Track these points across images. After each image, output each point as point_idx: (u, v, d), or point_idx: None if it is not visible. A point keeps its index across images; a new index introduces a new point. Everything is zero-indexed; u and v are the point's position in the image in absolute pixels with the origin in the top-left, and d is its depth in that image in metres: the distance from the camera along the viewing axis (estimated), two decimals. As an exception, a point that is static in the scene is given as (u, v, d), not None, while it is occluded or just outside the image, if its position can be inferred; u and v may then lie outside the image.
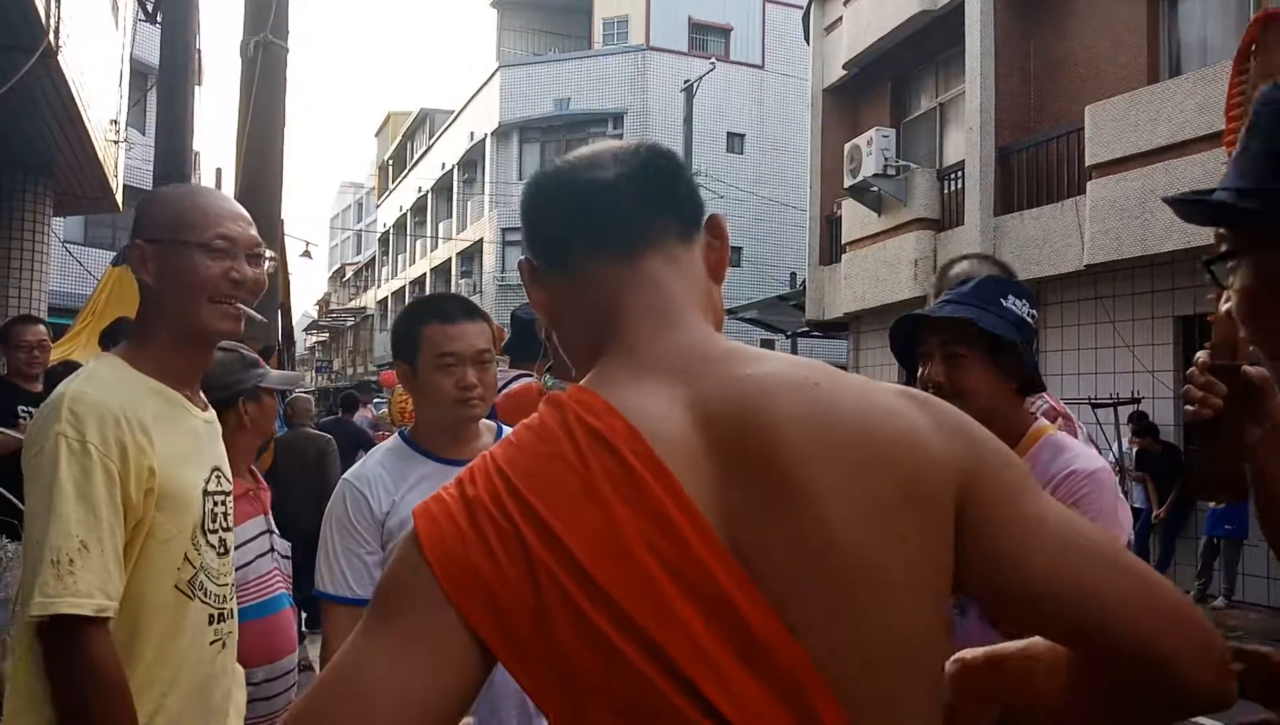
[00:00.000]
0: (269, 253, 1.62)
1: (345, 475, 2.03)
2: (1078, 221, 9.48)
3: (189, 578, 1.48)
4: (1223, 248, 0.88)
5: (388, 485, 1.95)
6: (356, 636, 0.82)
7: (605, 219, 0.93)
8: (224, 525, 1.59)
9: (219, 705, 1.58)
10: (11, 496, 3.26)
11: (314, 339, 60.38)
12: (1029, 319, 1.74)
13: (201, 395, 1.63)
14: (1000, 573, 0.84)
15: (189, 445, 1.52)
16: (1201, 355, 1.25)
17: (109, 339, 3.99)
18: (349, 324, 47.44)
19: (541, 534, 0.78)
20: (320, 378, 53.13)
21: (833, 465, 0.80)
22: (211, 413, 1.63)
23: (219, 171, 18.49)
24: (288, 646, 2.38)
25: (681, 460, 0.81)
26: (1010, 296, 1.73)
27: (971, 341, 1.69)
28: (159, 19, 6.56)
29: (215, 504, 1.56)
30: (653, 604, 0.76)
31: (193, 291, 1.49)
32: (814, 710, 0.76)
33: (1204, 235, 7.50)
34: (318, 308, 59.54)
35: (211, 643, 1.55)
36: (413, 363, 1.99)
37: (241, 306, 1.55)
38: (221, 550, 1.58)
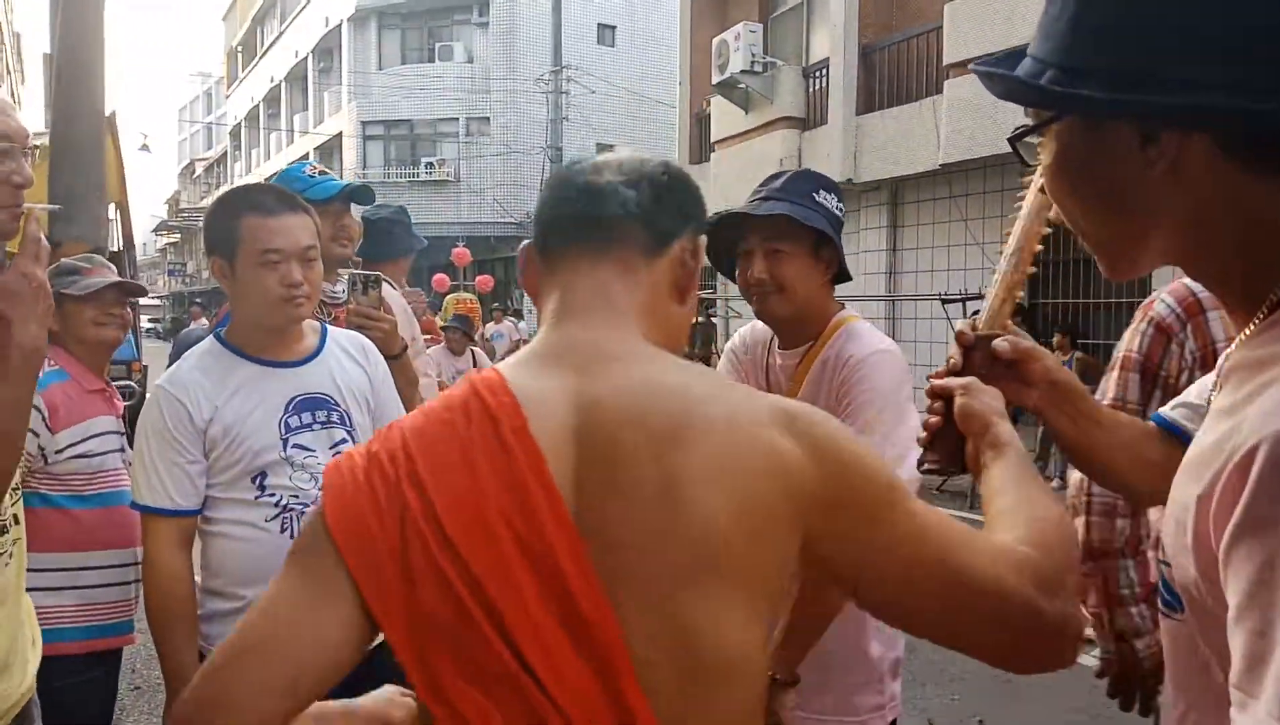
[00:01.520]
0: (32, 144, 1.45)
1: (159, 381, 1.90)
2: (935, 120, 9.70)
3: None
4: (1028, 122, 0.87)
5: (208, 391, 1.84)
6: (274, 584, 0.90)
7: (583, 217, 1.02)
8: None
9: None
10: None
11: (164, 240, 57.03)
12: (838, 212, 1.82)
13: None
14: (857, 591, 0.93)
15: None
16: (961, 325, 1.26)
17: None
18: (201, 224, 44.93)
19: (417, 491, 0.87)
20: (173, 281, 50.45)
21: (687, 468, 0.86)
22: None
23: (47, 58, 16.91)
24: (129, 538, 2.37)
25: (554, 442, 0.89)
26: (821, 191, 1.80)
27: (791, 237, 1.76)
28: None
29: None
30: (498, 568, 0.84)
31: None
32: (620, 690, 0.83)
33: (1047, 135, 7.78)
34: (167, 207, 56.13)
35: None
36: (231, 259, 1.86)
37: (27, 204, 1.41)
38: None
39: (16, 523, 1.60)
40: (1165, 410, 1.30)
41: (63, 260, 2.48)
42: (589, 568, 0.85)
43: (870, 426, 1.68)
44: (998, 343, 1.22)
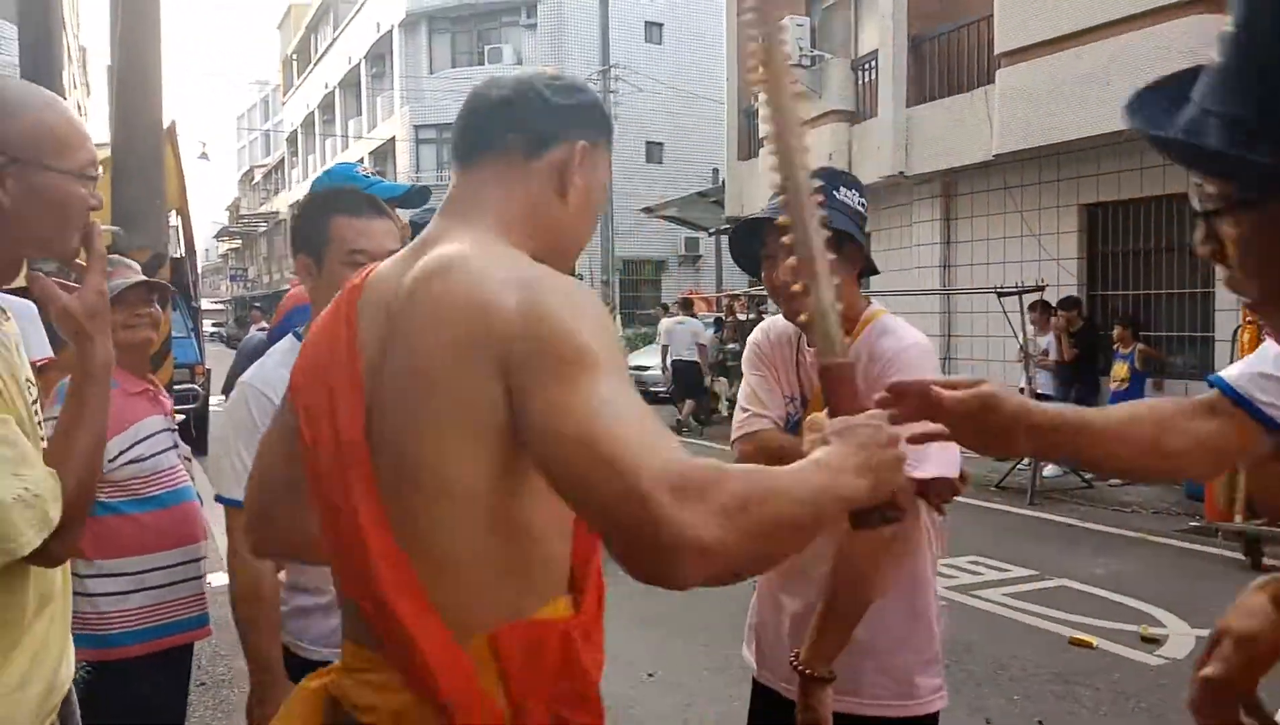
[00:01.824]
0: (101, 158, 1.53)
1: (244, 378, 1.96)
2: (987, 110, 9.53)
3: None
4: (1210, 194, 0.73)
5: None
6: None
7: (467, 128, 1.21)
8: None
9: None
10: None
11: (225, 246, 58.34)
12: (860, 208, 1.82)
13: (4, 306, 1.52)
14: (527, 431, 0.98)
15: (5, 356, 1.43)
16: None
17: None
18: (261, 230, 45.88)
19: (300, 357, 1.23)
20: (235, 286, 51.60)
21: (423, 317, 1.05)
22: (13, 325, 1.52)
23: (110, 70, 17.41)
24: (194, 534, 2.42)
25: (373, 312, 1.13)
26: (842, 187, 1.80)
27: None
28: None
29: (33, 414, 1.47)
30: (316, 406, 1.14)
31: (63, 221, 1.39)
32: (365, 492, 1.07)
33: (1110, 123, 7.52)
34: (228, 213, 57.39)
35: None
36: (318, 258, 1.90)
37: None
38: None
39: None
40: (1236, 379, 1.24)
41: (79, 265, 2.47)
42: (356, 403, 1.10)
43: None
44: (949, 398, 1.21)
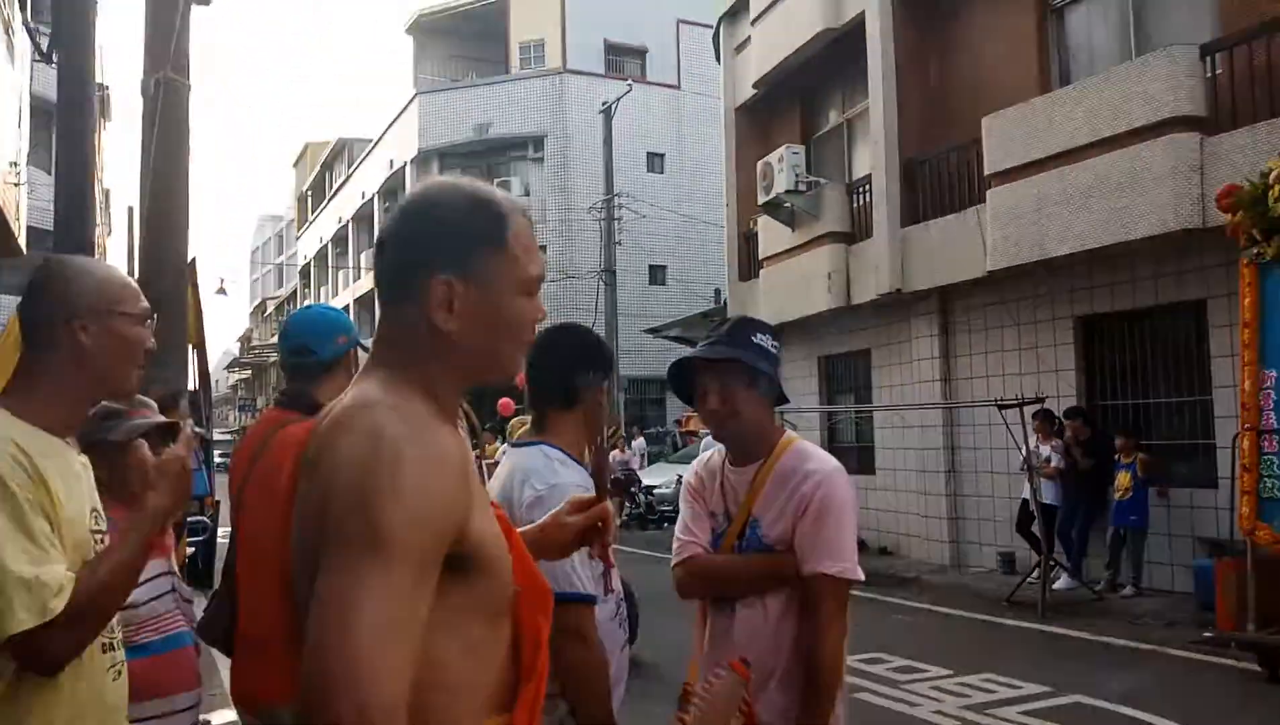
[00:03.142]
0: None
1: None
2: (980, 229, 9.84)
3: None
4: None
5: None
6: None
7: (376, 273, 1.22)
8: None
9: None
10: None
11: (235, 377, 58.93)
12: (773, 349, 2.20)
13: (74, 440, 1.72)
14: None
15: (74, 485, 1.62)
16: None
17: None
18: (271, 360, 46.45)
19: None
20: (244, 417, 51.88)
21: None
22: (84, 458, 1.73)
23: (131, 211, 18.04)
24: (186, 682, 2.39)
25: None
26: (758, 333, 2.20)
27: (736, 375, 2.14)
28: (54, 60, 6.45)
29: (96, 542, 1.65)
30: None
31: (129, 358, 1.68)
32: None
33: (1096, 238, 7.82)
34: (239, 344, 58.16)
35: (108, 669, 1.66)
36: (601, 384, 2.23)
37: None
38: None
39: (120, 647, 1.74)
40: None
41: (102, 403, 2.57)
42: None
43: (827, 533, 2.06)
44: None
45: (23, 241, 8.70)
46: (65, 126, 6.15)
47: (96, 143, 7.05)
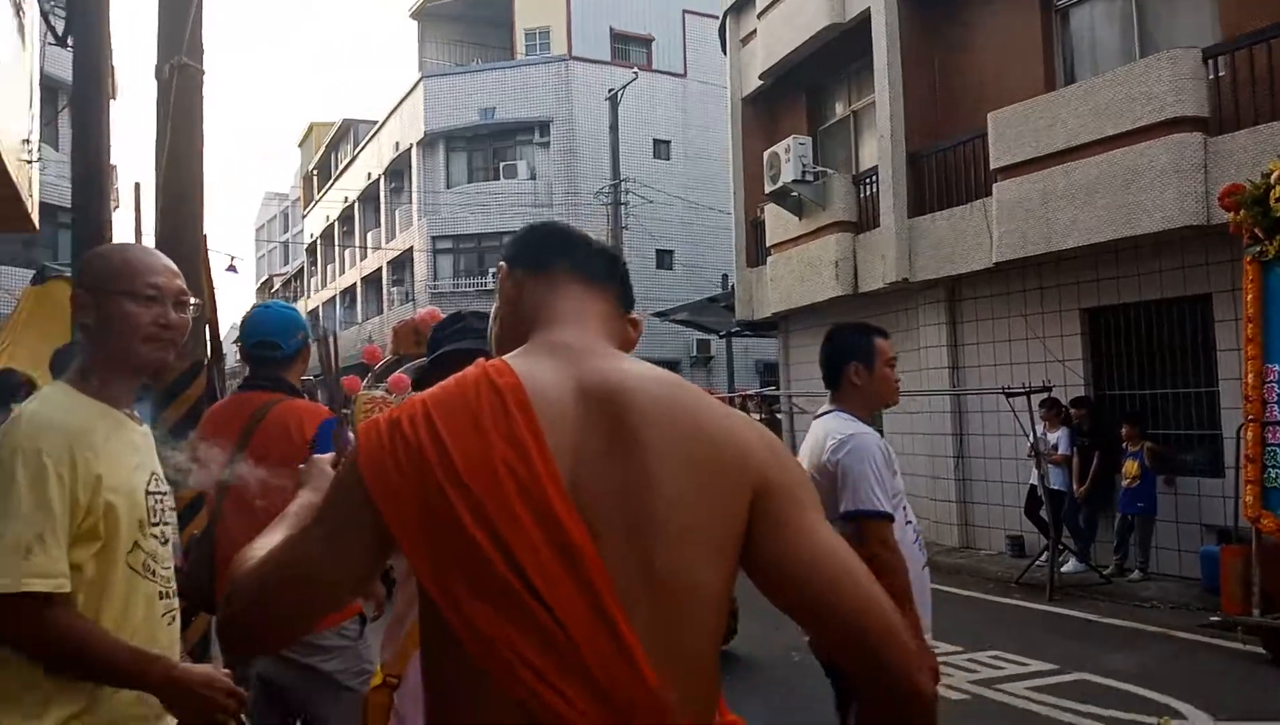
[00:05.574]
0: (194, 300, 1.89)
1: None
2: (986, 221, 9.89)
3: (140, 561, 1.75)
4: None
5: None
6: (303, 527, 1.17)
7: (586, 252, 1.32)
8: (164, 519, 1.84)
9: None
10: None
11: (241, 354, 58.98)
12: None
13: (136, 412, 1.80)
14: (775, 554, 1.13)
15: (130, 454, 1.78)
16: None
17: (57, 366, 4.23)
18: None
19: (437, 448, 1.09)
20: (249, 394, 51.87)
21: (666, 435, 1.11)
22: (146, 427, 1.88)
23: (137, 186, 18.04)
24: None
25: (550, 411, 1.12)
26: None
27: None
28: (69, 42, 6.49)
29: (155, 502, 1.81)
30: (504, 507, 1.06)
31: (126, 333, 1.76)
32: (604, 606, 1.05)
33: (1101, 233, 7.92)
34: (244, 323, 58.11)
35: (163, 615, 1.81)
36: (870, 365, 3.05)
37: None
38: (163, 540, 1.83)
39: (174, 595, 1.89)
40: None
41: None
42: (574, 508, 1.07)
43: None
44: None
45: (35, 218, 8.73)
46: (80, 110, 6.20)
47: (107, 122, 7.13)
